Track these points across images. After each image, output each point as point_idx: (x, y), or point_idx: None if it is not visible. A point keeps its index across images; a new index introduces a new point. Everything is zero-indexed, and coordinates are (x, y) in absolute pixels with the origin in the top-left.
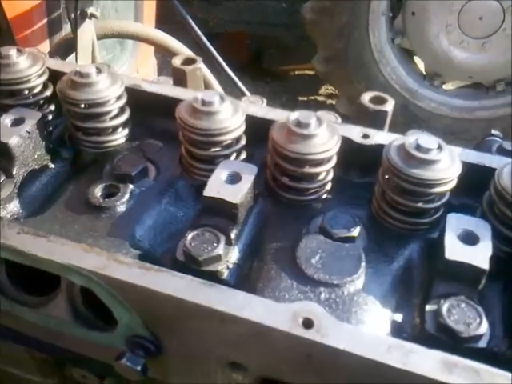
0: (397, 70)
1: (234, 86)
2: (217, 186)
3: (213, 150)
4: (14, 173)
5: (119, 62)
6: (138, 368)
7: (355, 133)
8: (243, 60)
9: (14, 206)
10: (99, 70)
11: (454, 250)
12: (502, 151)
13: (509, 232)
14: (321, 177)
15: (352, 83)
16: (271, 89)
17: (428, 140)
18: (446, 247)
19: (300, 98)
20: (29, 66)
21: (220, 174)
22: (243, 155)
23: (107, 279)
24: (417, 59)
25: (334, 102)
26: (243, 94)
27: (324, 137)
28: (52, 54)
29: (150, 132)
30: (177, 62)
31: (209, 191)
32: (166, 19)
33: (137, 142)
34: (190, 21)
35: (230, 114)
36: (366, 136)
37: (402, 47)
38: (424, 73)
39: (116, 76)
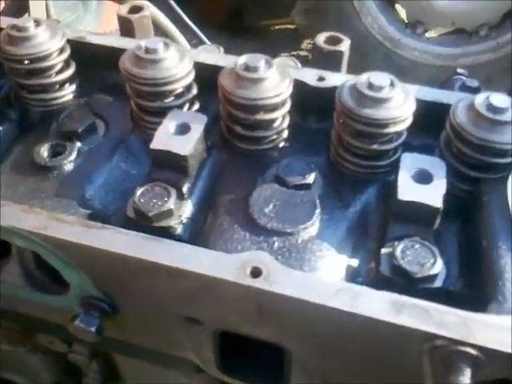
0: (378, 20)
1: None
2: (165, 137)
3: (162, 100)
4: None
5: (83, 22)
6: (92, 329)
7: (310, 76)
8: (223, 18)
9: None
10: (38, 23)
11: (407, 189)
12: (464, 88)
13: (466, 169)
14: (275, 124)
15: None
16: (251, 46)
17: (380, 78)
18: (398, 187)
19: (282, 54)
20: None
21: (168, 125)
22: (196, 106)
23: (49, 239)
24: (398, 7)
25: None
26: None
27: (274, 80)
28: (3, 15)
29: (98, 87)
30: (123, 10)
31: (156, 143)
32: None
33: (85, 98)
34: None
35: (177, 62)
36: (321, 79)
37: None
38: (406, 21)
39: (57, 28)
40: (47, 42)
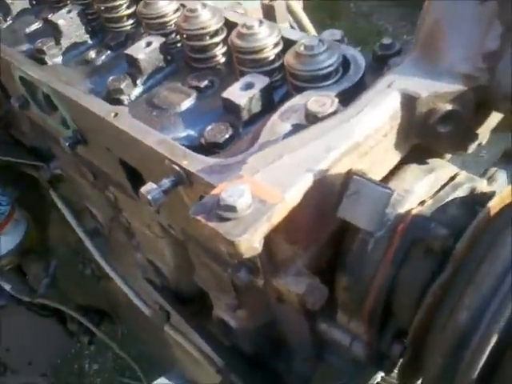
0: None
1: None
2: (136, 47)
3: None
4: (61, 42)
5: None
6: (67, 144)
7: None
8: None
9: (56, 61)
10: None
11: (231, 92)
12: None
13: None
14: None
15: None
16: None
17: (250, 20)
18: (226, 91)
19: None
20: None
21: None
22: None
23: (50, 88)
24: None
25: None
26: None
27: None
28: None
29: None
30: None
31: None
32: None
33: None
34: None
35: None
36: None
37: None
38: None
39: None
40: None
